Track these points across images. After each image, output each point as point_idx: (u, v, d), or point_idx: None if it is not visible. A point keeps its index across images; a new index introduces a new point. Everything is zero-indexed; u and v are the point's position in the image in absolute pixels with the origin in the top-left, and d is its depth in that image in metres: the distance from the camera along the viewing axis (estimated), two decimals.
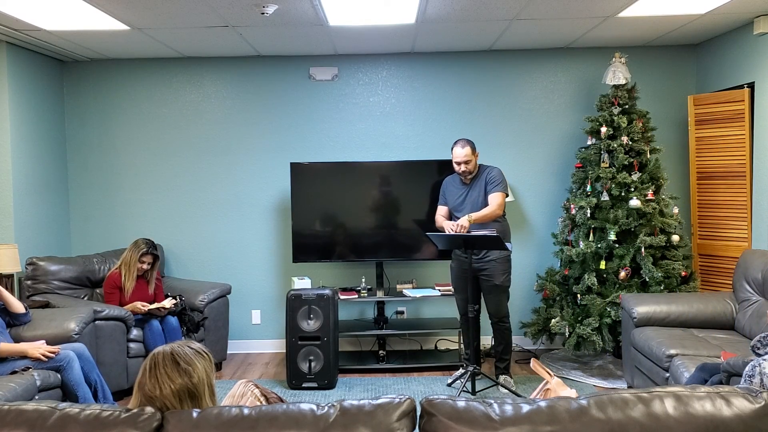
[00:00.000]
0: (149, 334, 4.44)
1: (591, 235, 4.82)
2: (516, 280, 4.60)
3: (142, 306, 4.49)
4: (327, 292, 4.61)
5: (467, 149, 4.40)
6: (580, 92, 5.49)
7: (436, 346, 5.53)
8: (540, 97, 5.51)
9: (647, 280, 4.64)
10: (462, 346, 4.93)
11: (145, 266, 4.67)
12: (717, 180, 4.96)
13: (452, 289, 4.80)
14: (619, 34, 4.96)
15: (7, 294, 3.83)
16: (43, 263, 4.72)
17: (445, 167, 5.08)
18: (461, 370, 4.69)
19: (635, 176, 4.79)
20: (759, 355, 2.33)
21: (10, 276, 4.65)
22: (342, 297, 5.09)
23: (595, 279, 4.71)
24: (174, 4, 3.90)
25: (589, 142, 5.06)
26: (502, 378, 4.54)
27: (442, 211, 4.66)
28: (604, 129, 4.87)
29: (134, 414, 1.68)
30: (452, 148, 4.47)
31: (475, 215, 4.30)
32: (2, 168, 4.77)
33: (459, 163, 4.43)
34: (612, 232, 4.71)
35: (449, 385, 4.62)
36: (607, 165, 4.86)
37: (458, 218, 4.44)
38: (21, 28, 4.39)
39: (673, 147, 5.42)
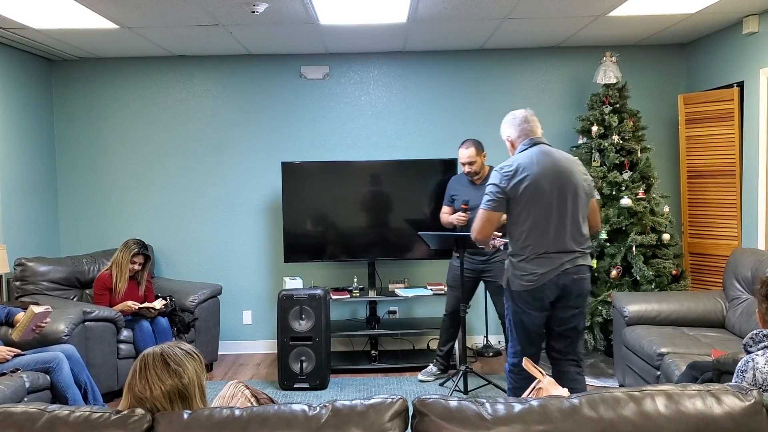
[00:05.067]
0: (139, 335, 4.41)
1: None
2: None
3: (132, 304, 4.47)
4: (319, 292, 4.60)
5: (471, 150, 4.40)
6: (571, 91, 5.51)
7: (428, 346, 5.53)
8: (531, 96, 5.52)
9: (638, 278, 4.66)
10: (439, 342, 4.87)
11: (136, 267, 4.65)
12: (707, 179, 4.99)
13: (446, 285, 4.78)
14: (610, 33, 4.98)
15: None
16: (32, 264, 4.68)
17: (437, 166, 5.08)
18: (432, 367, 4.74)
19: (626, 175, 4.81)
20: (749, 352, 2.34)
21: None
22: (334, 297, 5.07)
23: None
24: (163, 2, 3.88)
25: (580, 141, 5.08)
26: None
27: (447, 211, 4.65)
28: (595, 128, 4.89)
29: (124, 416, 1.66)
30: (459, 149, 4.48)
31: None
32: None
33: (464, 164, 4.44)
34: (603, 231, 4.73)
35: (421, 381, 4.67)
36: (598, 164, 4.88)
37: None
38: (8, 27, 4.35)
39: (664, 146, 5.44)
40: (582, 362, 3.39)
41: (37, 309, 3.64)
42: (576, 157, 3.36)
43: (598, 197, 4.77)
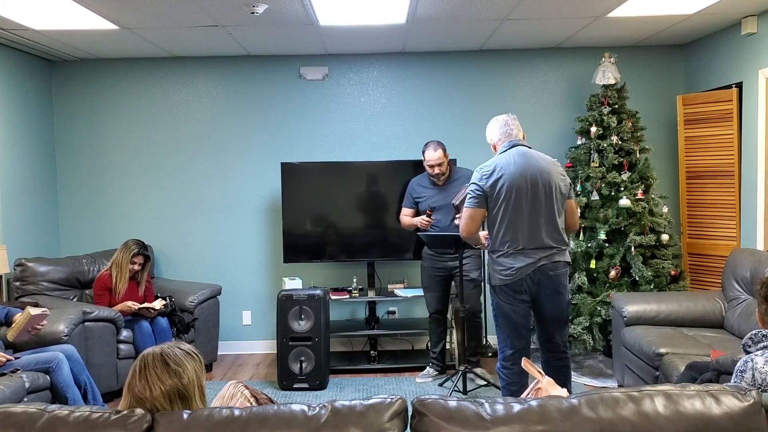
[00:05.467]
0: (139, 336, 4.42)
1: (581, 234, 4.84)
2: None
3: (132, 305, 4.47)
4: (318, 292, 4.60)
5: (440, 152, 4.48)
6: (570, 92, 5.51)
7: (427, 346, 5.52)
8: (530, 97, 5.52)
9: (637, 279, 4.67)
10: (430, 344, 4.91)
11: (136, 267, 4.65)
12: (706, 179, 4.99)
13: (422, 287, 4.80)
14: (609, 34, 4.98)
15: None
16: (32, 264, 4.68)
17: None
18: (429, 369, 4.76)
19: (625, 176, 4.81)
20: (749, 353, 2.34)
21: None
22: (333, 297, 5.08)
23: (586, 278, 4.73)
24: (163, 3, 3.88)
25: (579, 142, 5.08)
26: (479, 371, 4.64)
27: (408, 213, 4.73)
28: (594, 129, 4.89)
29: (124, 416, 1.67)
30: (424, 151, 4.54)
31: None
32: None
33: (433, 166, 4.51)
34: (602, 232, 4.73)
35: (419, 383, 4.68)
36: (597, 164, 4.88)
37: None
38: (9, 28, 4.35)
39: (663, 146, 5.44)
40: (568, 350, 3.53)
41: (33, 311, 3.64)
42: (555, 159, 3.50)
43: (597, 197, 4.83)
